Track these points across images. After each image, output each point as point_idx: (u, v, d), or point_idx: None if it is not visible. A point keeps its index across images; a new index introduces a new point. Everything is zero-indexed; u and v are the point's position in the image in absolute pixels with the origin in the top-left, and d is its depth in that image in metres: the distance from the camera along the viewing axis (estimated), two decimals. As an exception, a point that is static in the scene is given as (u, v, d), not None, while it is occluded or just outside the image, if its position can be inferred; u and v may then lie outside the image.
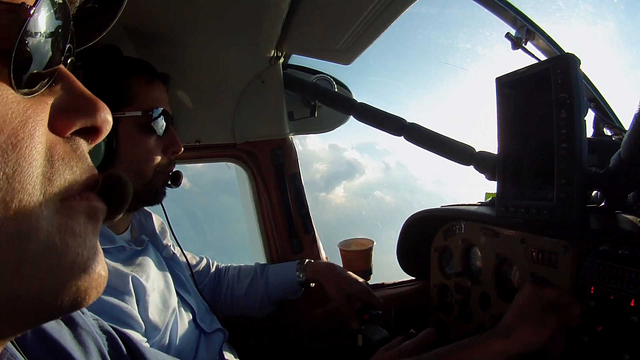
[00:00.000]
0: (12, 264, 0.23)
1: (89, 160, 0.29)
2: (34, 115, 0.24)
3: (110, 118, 0.29)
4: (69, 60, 0.29)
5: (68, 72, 0.28)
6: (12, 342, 0.34)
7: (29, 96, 0.24)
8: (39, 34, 0.25)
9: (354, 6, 0.93)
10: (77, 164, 0.27)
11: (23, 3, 0.24)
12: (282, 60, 1.31)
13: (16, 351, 0.34)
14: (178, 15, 0.95)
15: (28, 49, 0.24)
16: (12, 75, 0.23)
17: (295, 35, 1.14)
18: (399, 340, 0.85)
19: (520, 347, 0.70)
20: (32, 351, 0.35)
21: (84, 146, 0.28)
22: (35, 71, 0.25)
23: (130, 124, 0.83)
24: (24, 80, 0.24)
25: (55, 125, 0.26)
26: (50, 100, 0.26)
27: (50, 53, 0.26)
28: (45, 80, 0.26)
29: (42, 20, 0.25)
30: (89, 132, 0.28)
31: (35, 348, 0.36)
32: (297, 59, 1.40)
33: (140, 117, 0.84)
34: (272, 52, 1.24)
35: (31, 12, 0.23)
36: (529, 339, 0.71)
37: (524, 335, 0.71)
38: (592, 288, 0.75)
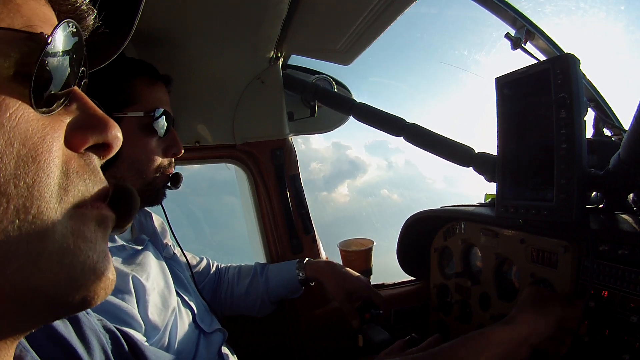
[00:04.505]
0: (32, 259, 0.25)
1: (101, 173, 0.31)
2: (51, 132, 0.27)
3: (120, 135, 0.32)
4: (83, 82, 0.31)
5: (82, 92, 0.31)
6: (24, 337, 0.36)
7: (47, 115, 0.27)
8: (56, 59, 0.27)
9: (353, 6, 0.93)
10: (90, 176, 0.30)
11: (42, 32, 0.26)
12: (281, 60, 1.31)
13: (27, 345, 0.36)
14: (178, 17, 0.95)
15: (46, 73, 0.26)
16: (32, 96, 0.25)
17: (295, 35, 1.14)
18: (400, 344, 0.84)
19: (523, 333, 0.71)
20: (41, 346, 0.38)
21: (97, 161, 0.31)
22: (52, 92, 0.27)
23: (132, 124, 0.83)
24: (43, 100, 0.26)
25: (71, 141, 0.29)
26: (66, 119, 0.29)
27: (66, 76, 0.28)
28: (62, 100, 0.28)
29: (59, 47, 0.27)
30: (101, 148, 0.31)
31: (43, 343, 0.39)
32: (296, 60, 1.40)
33: (142, 117, 0.84)
34: (272, 53, 1.24)
35: (49, 40, 0.26)
36: (532, 325, 0.72)
37: (525, 321, 0.73)
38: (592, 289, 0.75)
